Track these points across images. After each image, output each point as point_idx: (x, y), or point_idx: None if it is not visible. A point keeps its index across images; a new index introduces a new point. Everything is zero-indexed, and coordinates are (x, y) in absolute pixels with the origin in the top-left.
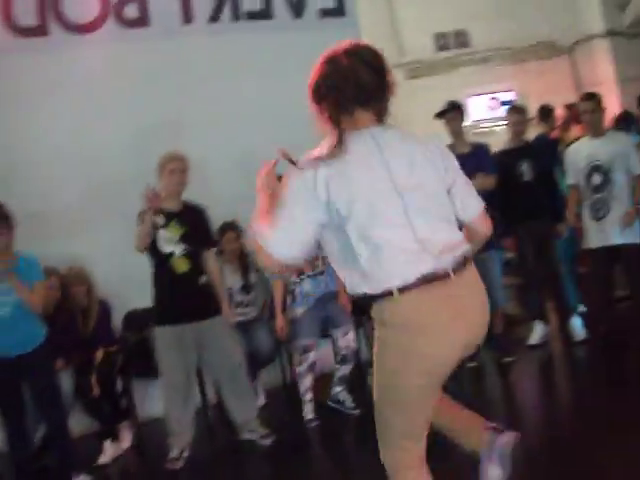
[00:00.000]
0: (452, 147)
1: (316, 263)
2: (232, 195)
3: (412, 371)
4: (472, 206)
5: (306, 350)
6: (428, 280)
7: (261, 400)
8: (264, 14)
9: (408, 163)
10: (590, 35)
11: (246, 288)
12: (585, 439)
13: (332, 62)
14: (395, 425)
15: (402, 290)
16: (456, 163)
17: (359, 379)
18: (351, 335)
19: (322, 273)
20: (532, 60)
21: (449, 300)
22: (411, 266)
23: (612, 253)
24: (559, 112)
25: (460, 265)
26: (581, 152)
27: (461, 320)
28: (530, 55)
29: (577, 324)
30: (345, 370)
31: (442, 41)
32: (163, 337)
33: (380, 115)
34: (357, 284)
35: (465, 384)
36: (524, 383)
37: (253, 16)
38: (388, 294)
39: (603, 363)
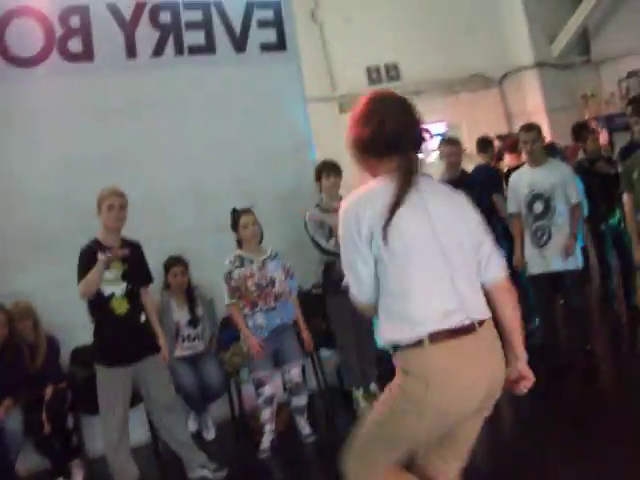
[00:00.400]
0: None
1: (268, 299)
2: (181, 228)
3: (424, 421)
4: (493, 270)
5: (261, 383)
6: (458, 333)
7: (211, 434)
8: (207, 49)
9: (449, 217)
10: (519, 67)
11: (193, 322)
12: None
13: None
14: (379, 456)
15: (432, 339)
16: (480, 218)
17: (309, 409)
18: (297, 370)
19: (274, 309)
20: (463, 92)
21: (475, 358)
22: (444, 317)
23: (554, 279)
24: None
25: (484, 323)
26: (522, 181)
27: (484, 380)
28: (461, 87)
29: None
30: (298, 401)
31: (374, 74)
32: (103, 376)
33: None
34: (390, 328)
35: None
36: None
37: (196, 51)
38: (418, 342)
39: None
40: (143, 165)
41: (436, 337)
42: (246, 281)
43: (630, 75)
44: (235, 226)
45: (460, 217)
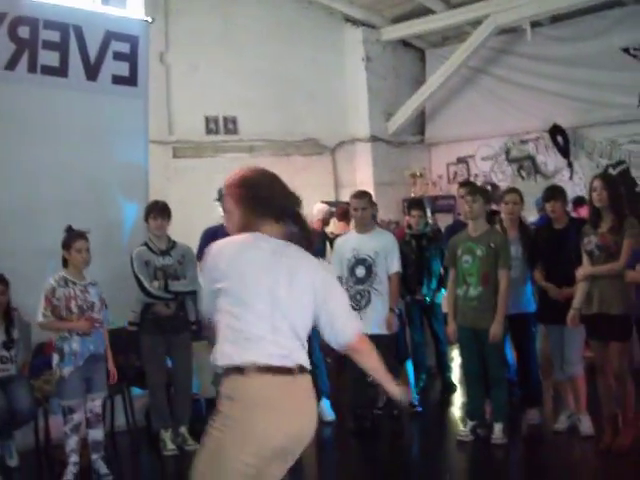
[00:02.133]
0: (224, 228)
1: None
2: (7, 248)
3: (245, 448)
4: (338, 333)
5: (71, 411)
6: (276, 370)
7: (14, 461)
8: (59, 71)
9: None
10: (354, 138)
11: (7, 344)
12: None
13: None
14: None
15: (256, 369)
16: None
17: (114, 447)
18: (99, 402)
19: (89, 335)
20: (296, 155)
21: (293, 395)
22: (264, 352)
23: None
24: (321, 207)
25: (301, 370)
26: (347, 245)
27: (300, 416)
28: (295, 150)
29: (325, 406)
30: (95, 435)
31: (212, 125)
32: None
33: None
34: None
35: None
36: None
37: (49, 71)
38: (239, 370)
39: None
40: None
41: (258, 368)
42: (69, 302)
43: (459, 161)
44: (67, 246)
45: (304, 276)
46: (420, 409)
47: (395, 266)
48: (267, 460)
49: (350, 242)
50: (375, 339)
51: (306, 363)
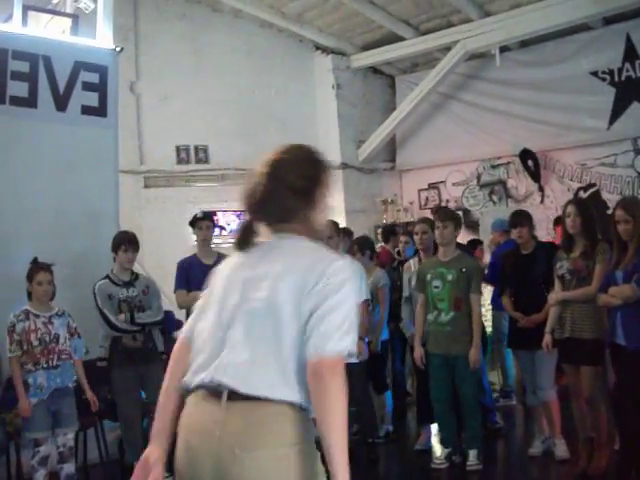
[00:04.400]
0: (196, 257)
1: (50, 357)
2: None
3: None
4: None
5: (37, 444)
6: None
7: None
8: (29, 102)
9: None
10: None
11: None
12: None
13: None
14: None
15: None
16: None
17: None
18: (71, 435)
19: (56, 367)
20: None
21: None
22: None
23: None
24: None
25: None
26: None
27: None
28: None
29: None
30: (68, 469)
31: (183, 154)
32: None
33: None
34: None
35: None
36: None
37: (18, 102)
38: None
39: None
40: None
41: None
42: (29, 335)
43: (430, 186)
44: (29, 278)
45: (292, 278)
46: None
47: (362, 294)
48: None
49: None
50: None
51: None
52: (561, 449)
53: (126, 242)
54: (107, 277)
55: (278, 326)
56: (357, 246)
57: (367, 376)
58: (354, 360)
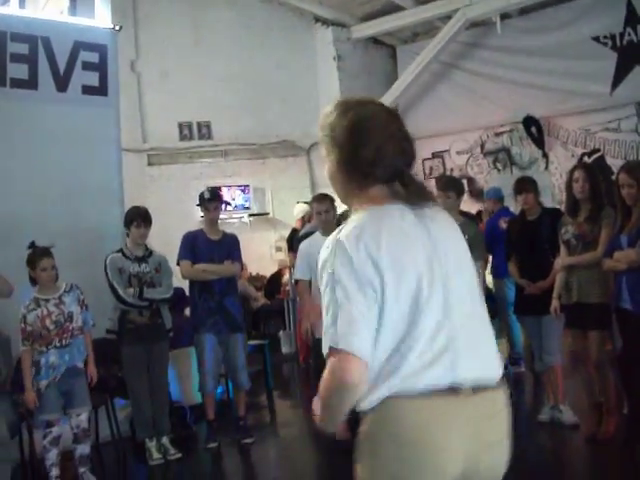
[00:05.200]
0: (203, 232)
1: (64, 335)
2: None
3: None
4: None
5: (49, 424)
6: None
7: None
8: (29, 84)
9: (457, 258)
10: None
11: None
12: None
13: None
14: None
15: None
16: None
17: (99, 458)
18: (85, 415)
19: (67, 345)
20: (271, 157)
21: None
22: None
23: None
24: (301, 207)
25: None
26: (315, 248)
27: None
28: (270, 152)
29: None
30: (82, 450)
31: (185, 130)
32: None
33: None
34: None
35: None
36: (263, 463)
37: (19, 84)
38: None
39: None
40: None
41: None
42: (44, 321)
43: (434, 156)
44: (31, 264)
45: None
46: None
47: None
48: None
49: (317, 245)
50: None
51: None
52: (567, 414)
53: (138, 217)
54: (120, 251)
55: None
56: None
57: None
58: None
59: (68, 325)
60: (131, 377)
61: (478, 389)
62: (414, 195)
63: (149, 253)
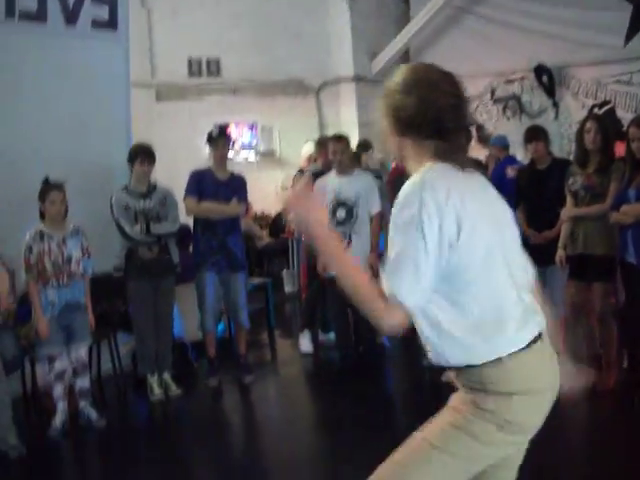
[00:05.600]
0: (211, 171)
1: (61, 277)
2: None
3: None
4: None
5: (51, 359)
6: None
7: None
8: (38, 16)
9: (501, 214)
10: (338, 78)
11: None
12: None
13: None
14: None
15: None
16: None
17: (101, 392)
18: (84, 350)
19: (67, 286)
20: (280, 96)
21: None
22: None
23: None
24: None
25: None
26: (328, 187)
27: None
28: (279, 91)
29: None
30: (82, 383)
31: (195, 67)
32: None
33: None
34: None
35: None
36: (263, 401)
37: (27, 17)
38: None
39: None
40: None
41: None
42: (42, 258)
43: None
44: (42, 198)
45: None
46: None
47: (376, 206)
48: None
49: (330, 184)
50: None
51: None
52: (566, 366)
53: (142, 154)
54: (125, 188)
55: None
56: None
57: None
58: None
59: (67, 267)
60: (136, 311)
61: (541, 332)
62: (461, 154)
63: (153, 187)
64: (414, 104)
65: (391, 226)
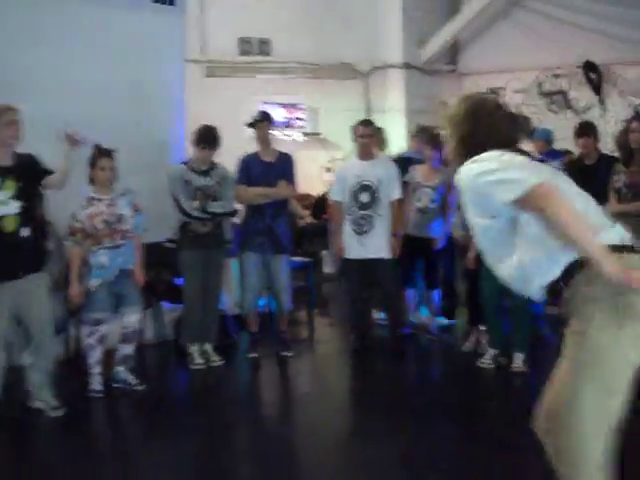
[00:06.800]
0: (258, 155)
1: (114, 236)
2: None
3: (627, 340)
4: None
5: (97, 323)
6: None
7: None
8: None
9: None
10: (387, 64)
11: None
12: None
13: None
14: (598, 414)
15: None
16: None
17: (142, 359)
18: (136, 317)
19: (119, 247)
20: (329, 79)
21: None
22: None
23: (368, 265)
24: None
25: None
26: (351, 171)
27: None
28: (327, 73)
29: None
30: (126, 350)
31: (246, 46)
32: None
33: None
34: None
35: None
36: (299, 376)
37: None
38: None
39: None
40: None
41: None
42: (93, 219)
43: (490, 92)
44: (92, 164)
45: None
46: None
47: (396, 193)
48: None
49: (353, 168)
50: (377, 263)
51: None
52: None
53: (204, 141)
54: (186, 164)
55: None
56: None
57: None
58: (386, 256)
59: (118, 226)
60: (187, 280)
61: None
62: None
63: (212, 166)
64: (482, 133)
65: (478, 190)
